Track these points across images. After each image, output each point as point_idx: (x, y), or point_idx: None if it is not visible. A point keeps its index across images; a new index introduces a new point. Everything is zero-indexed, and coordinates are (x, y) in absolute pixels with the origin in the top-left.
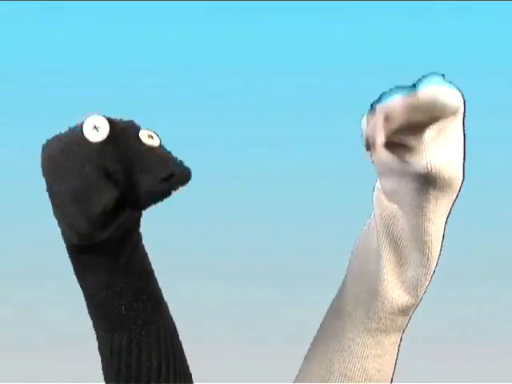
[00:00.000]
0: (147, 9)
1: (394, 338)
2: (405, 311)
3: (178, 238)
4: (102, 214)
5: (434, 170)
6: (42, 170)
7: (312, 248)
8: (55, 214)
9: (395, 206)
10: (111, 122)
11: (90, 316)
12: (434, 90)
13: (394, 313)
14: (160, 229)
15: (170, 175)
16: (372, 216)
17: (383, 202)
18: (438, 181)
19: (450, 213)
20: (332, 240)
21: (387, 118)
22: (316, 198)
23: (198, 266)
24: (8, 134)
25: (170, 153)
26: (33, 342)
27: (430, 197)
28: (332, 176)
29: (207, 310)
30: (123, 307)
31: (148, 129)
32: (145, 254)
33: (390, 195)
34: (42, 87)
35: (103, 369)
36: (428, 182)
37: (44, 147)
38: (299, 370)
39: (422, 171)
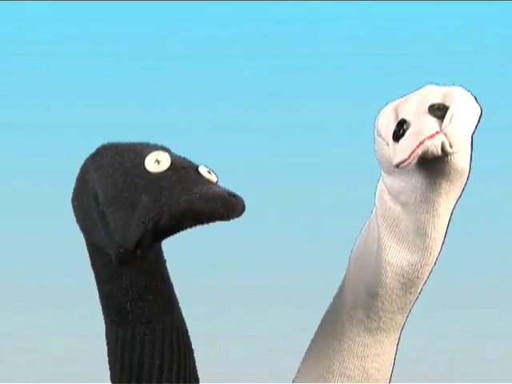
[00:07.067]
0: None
1: (394, 337)
2: (404, 309)
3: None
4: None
5: (454, 159)
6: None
7: (310, 245)
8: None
9: (399, 208)
10: (172, 157)
11: (100, 304)
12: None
13: (393, 312)
14: None
15: (226, 205)
16: (372, 217)
17: (387, 203)
18: (453, 172)
19: (453, 210)
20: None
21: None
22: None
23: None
24: None
25: None
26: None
27: (442, 191)
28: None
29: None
30: (128, 304)
31: (206, 165)
32: (158, 257)
33: (397, 195)
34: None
35: (108, 356)
36: (442, 175)
37: (98, 163)
38: (298, 370)
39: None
